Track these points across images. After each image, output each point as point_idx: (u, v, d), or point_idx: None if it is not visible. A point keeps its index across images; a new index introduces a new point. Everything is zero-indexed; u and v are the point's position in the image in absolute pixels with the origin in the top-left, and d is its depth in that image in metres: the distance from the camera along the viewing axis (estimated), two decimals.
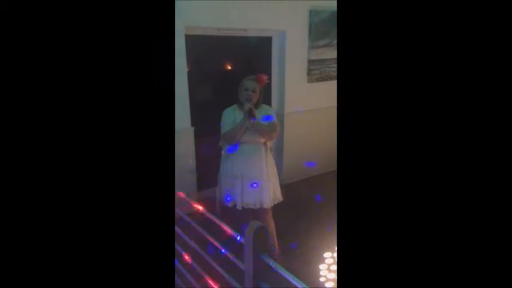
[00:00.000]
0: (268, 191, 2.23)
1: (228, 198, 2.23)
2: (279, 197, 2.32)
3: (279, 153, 3.75)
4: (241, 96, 2.17)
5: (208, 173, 3.07)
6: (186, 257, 1.82)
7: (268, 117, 2.18)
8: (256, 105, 2.19)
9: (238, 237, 1.40)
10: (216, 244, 1.58)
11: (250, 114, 2.04)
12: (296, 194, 3.52)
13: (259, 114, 2.18)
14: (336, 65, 3.84)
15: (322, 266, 2.49)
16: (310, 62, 3.68)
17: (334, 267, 2.48)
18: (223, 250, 1.53)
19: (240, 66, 4.20)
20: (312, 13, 3.51)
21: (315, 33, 3.59)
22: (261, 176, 2.20)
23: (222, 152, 2.31)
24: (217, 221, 1.55)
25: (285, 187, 3.55)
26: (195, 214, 1.79)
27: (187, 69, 3.02)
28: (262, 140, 2.19)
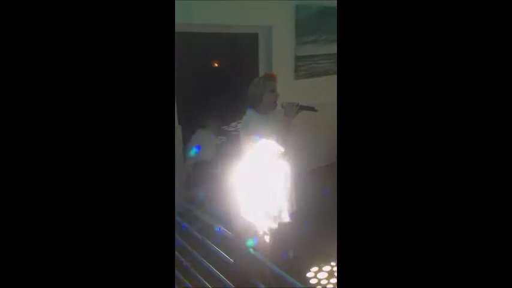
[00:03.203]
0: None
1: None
2: None
3: None
4: (267, 98, 2.05)
5: (197, 171, 3.03)
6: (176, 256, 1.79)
7: None
8: None
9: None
10: (207, 242, 1.55)
11: (306, 109, 1.97)
12: None
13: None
14: (323, 61, 3.84)
15: (318, 266, 2.48)
16: (298, 58, 3.66)
17: (328, 268, 2.48)
18: (214, 247, 1.50)
19: (226, 63, 4.17)
20: (299, 8, 3.49)
21: (302, 29, 3.57)
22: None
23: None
24: (207, 220, 1.52)
25: None
26: (183, 213, 1.76)
27: None
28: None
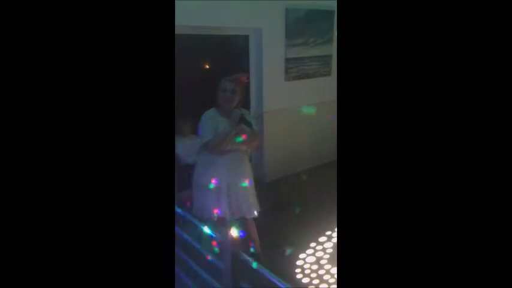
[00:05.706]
0: (255, 199, 2.20)
1: (217, 212, 2.08)
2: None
3: (259, 151, 3.74)
4: (220, 98, 2.05)
5: (186, 173, 3.02)
6: None
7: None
8: (236, 107, 2.09)
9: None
10: (194, 244, 1.55)
11: (244, 122, 1.96)
12: (277, 192, 3.53)
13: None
14: (312, 63, 3.87)
15: (305, 266, 2.49)
16: (288, 60, 3.68)
17: (315, 267, 2.49)
18: (199, 249, 1.50)
19: (216, 66, 4.17)
20: (289, 11, 3.51)
21: (291, 31, 3.59)
22: (248, 186, 2.15)
23: (198, 161, 2.19)
24: (195, 221, 1.52)
25: (266, 185, 3.56)
26: None
27: None
28: (245, 148, 2.13)
